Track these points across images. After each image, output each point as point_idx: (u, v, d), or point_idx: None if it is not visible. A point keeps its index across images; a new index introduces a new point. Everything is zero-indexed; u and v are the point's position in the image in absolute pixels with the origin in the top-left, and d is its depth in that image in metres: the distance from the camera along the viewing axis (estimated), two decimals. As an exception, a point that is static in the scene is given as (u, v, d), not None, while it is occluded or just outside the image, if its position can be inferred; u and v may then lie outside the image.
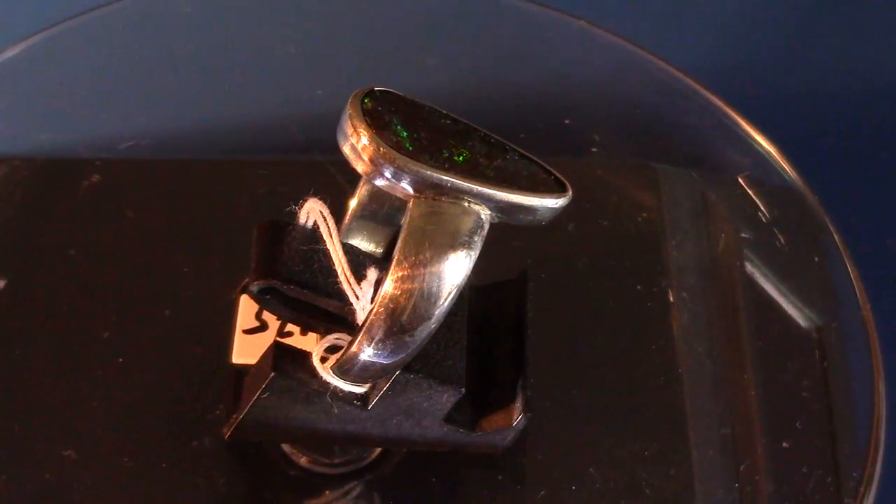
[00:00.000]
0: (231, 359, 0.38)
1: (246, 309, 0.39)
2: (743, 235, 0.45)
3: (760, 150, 0.45)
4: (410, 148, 0.32)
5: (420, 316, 0.32)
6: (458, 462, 0.39)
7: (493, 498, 0.38)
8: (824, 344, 0.42)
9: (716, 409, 0.40)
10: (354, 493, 0.38)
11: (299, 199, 0.36)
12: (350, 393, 0.35)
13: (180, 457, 0.38)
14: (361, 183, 0.35)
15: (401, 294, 0.32)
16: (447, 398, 0.36)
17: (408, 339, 0.33)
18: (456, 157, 0.32)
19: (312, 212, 0.35)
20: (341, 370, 0.34)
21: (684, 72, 0.47)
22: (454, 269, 0.32)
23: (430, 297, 0.32)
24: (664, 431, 0.39)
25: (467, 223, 0.32)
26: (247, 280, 0.35)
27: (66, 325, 0.41)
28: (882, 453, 0.39)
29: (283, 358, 0.36)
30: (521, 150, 0.34)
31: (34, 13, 0.60)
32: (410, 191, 0.32)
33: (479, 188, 0.32)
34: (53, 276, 0.42)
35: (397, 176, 0.32)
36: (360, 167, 0.32)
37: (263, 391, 0.35)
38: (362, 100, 0.32)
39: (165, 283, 0.42)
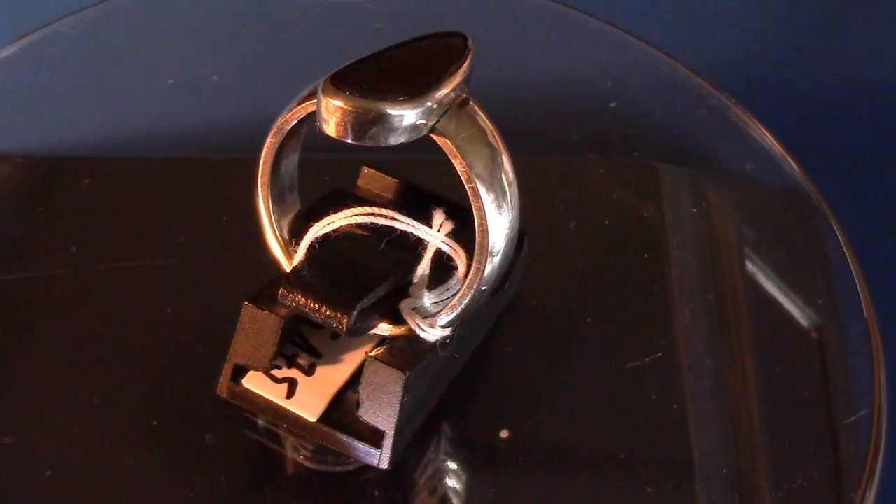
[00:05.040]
0: (314, 420, 0.38)
1: (262, 388, 0.38)
2: (743, 235, 0.45)
3: (763, 148, 0.45)
4: (406, 95, 0.33)
5: (515, 199, 0.35)
6: (456, 462, 0.39)
7: (493, 492, 0.38)
8: (824, 344, 0.42)
9: (716, 408, 0.40)
10: (354, 493, 0.38)
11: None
12: (444, 337, 0.37)
13: (182, 455, 0.38)
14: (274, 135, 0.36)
15: (496, 190, 0.34)
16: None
17: (510, 232, 0.35)
18: (422, 75, 0.34)
19: (348, 216, 0.36)
20: (445, 320, 0.36)
21: (689, 67, 0.47)
22: (505, 150, 0.34)
23: (509, 184, 0.34)
24: (664, 431, 0.39)
25: (477, 110, 0.34)
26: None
27: (67, 323, 0.41)
28: (882, 453, 0.39)
29: (396, 357, 0.36)
30: (411, 40, 0.35)
31: (34, 11, 0.60)
32: (431, 123, 0.33)
33: (458, 80, 0.34)
34: (54, 273, 0.42)
35: (427, 117, 0.33)
36: (396, 138, 0.33)
37: (404, 396, 0.36)
38: (342, 89, 0.33)
39: (166, 280, 0.42)
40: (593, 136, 0.47)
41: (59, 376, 0.40)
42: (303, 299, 0.36)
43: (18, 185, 0.45)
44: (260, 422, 0.39)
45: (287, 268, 0.38)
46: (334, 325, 0.36)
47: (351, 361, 0.39)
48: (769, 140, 0.45)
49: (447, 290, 0.37)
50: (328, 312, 0.35)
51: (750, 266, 0.44)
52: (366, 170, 0.41)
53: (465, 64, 0.34)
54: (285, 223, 0.38)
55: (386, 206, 0.36)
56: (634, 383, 0.40)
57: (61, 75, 0.48)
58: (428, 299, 0.37)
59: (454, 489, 0.38)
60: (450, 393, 0.39)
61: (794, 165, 0.44)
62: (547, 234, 0.44)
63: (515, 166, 0.35)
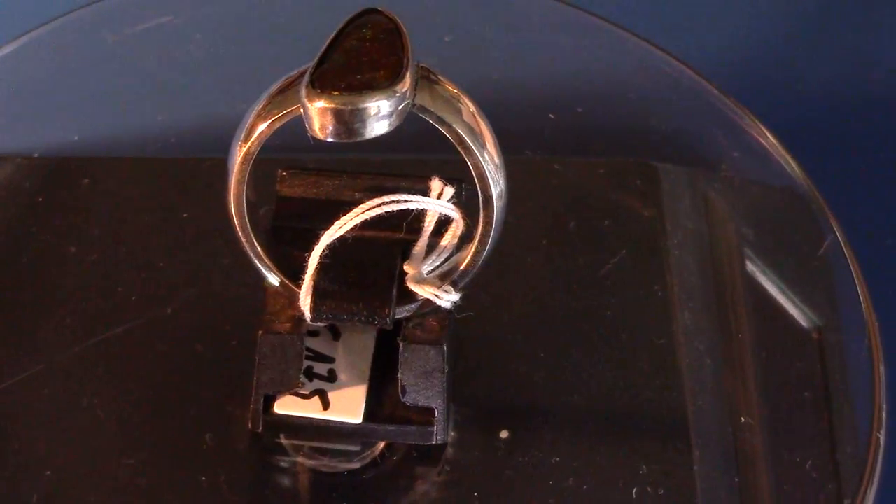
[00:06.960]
0: (360, 421, 0.38)
1: (297, 409, 0.38)
2: (743, 235, 0.45)
3: (763, 148, 0.45)
4: (387, 80, 0.33)
5: (498, 147, 0.35)
6: (456, 462, 0.39)
7: (493, 492, 0.38)
8: (824, 344, 0.42)
9: (716, 408, 0.40)
10: (355, 492, 0.38)
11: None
12: (457, 300, 0.37)
13: (182, 456, 0.38)
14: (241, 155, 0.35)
15: (483, 143, 0.34)
16: None
17: (503, 179, 0.35)
18: (385, 56, 0.33)
19: (360, 213, 0.36)
20: (463, 282, 0.37)
21: (689, 67, 0.47)
22: (473, 102, 0.35)
23: (489, 134, 0.35)
24: (664, 431, 0.39)
25: (439, 76, 0.35)
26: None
27: (66, 324, 0.41)
28: (882, 453, 0.39)
29: (424, 333, 0.37)
30: (341, 29, 0.35)
31: (34, 10, 0.60)
32: (412, 105, 0.33)
33: (410, 52, 0.34)
34: (54, 273, 0.42)
35: (410, 96, 0.33)
36: (388, 126, 0.33)
37: (445, 367, 0.37)
38: (326, 91, 0.33)
39: (166, 281, 0.42)
40: (593, 136, 0.47)
41: (58, 377, 0.40)
42: (337, 306, 0.36)
43: (18, 185, 0.45)
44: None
45: (280, 287, 0.37)
46: (376, 321, 0.36)
47: (363, 355, 0.38)
48: (769, 140, 0.45)
49: (439, 255, 0.37)
50: (367, 311, 0.36)
51: (750, 266, 0.44)
52: (284, 172, 0.39)
53: (406, 33, 0.34)
54: (259, 240, 0.37)
55: (390, 193, 0.36)
56: (634, 383, 0.40)
57: (61, 75, 0.48)
58: (425, 269, 0.37)
59: (454, 490, 0.38)
60: (450, 394, 0.39)
61: (794, 165, 0.44)
62: (547, 234, 0.44)
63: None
